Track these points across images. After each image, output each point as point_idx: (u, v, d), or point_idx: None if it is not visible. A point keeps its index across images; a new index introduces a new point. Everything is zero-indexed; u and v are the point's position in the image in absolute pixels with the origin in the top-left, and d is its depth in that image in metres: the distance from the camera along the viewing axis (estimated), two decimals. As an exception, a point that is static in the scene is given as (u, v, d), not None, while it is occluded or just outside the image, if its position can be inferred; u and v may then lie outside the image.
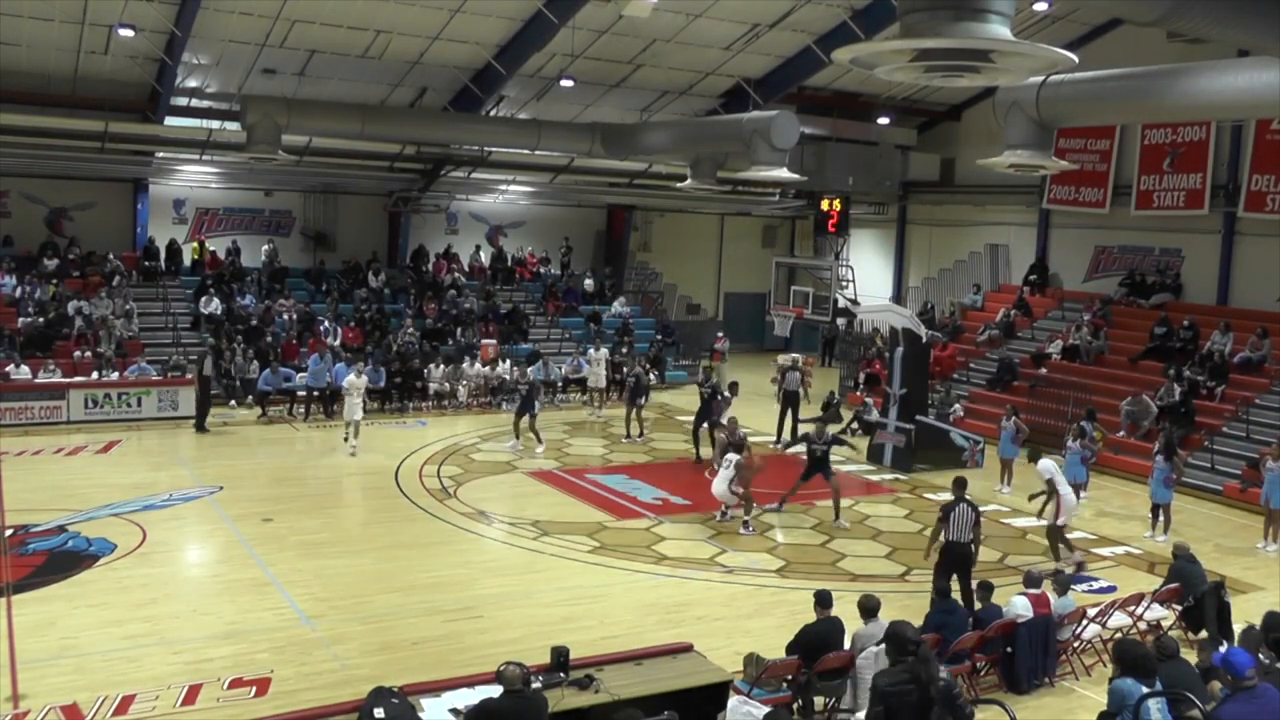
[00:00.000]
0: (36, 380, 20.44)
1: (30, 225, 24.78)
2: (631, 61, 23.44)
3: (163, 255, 25.50)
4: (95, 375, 21.00)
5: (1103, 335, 23.09)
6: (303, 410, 21.63)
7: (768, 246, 33.58)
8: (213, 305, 24.26)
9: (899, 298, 29.72)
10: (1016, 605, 10.04)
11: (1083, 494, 16.82)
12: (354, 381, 19.31)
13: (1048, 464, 14.10)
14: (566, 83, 22.69)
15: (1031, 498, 14.74)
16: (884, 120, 28.06)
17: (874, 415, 21.10)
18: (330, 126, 22.14)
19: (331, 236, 28.25)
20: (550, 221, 31.10)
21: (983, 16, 7.66)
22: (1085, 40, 23.10)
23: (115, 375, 21.06)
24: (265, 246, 27.03)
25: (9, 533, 13.28)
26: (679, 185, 23.37)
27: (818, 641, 9.02)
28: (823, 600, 9.38)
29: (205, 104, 23.15)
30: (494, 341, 25.33)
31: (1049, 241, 26.78)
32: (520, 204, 30.45)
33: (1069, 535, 14.15)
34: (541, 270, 30.03)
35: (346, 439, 18.98)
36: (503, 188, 29.02)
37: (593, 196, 30.16)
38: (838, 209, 29.71)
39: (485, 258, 29.71)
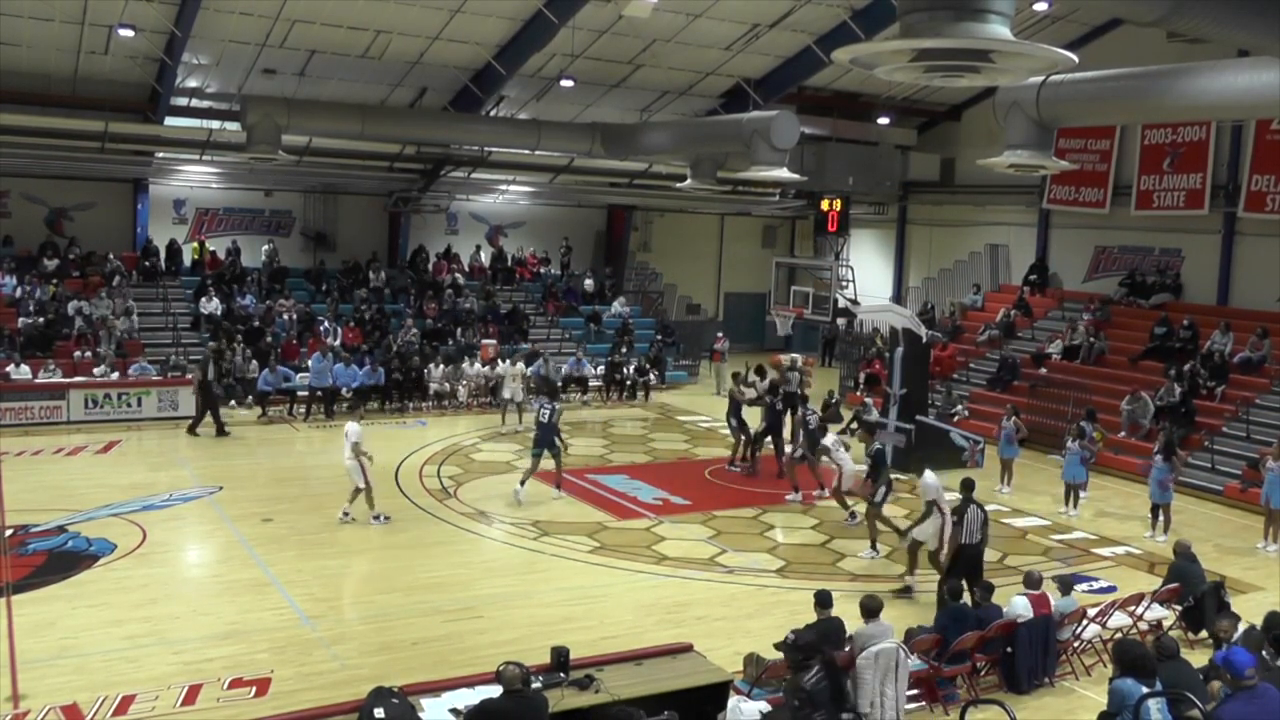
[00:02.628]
0: (36, 380, 20.44)
1: (30, 225, 24.80)
2: (631, 61, 23.43)
3: (163, 255, 25.51)
4: (95, 374, 20.98)
5: (1103, 335, 23.08)
6: (303, 410, 21.63)
7: (768, 246, 33.56)
8: (213, 305, 24.26)
9: (899, 298, 29.70)
10: (1016, 606, 10.04)
11: (1083, 494, 16.87)
12: None
13: (932, 482, 12.44)
14: (566, 83, 22.68)
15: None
16: (884, 120, 28.04)
17: (874, 415, 21.06)
18: (330, 126, 22.15)
19: (331, 236, 28.25)
20: (550, 221, 31.09)
21: (982, 16, 7.67)
22: (1085, 40, 23.10)
23: (115, 375, 21.06)
24: (265, 246, 27.05)
25: (9, 533, 13.28)
26: (679, 185, 23.38)
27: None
28: (823, 600, 9.39)
29: (205, 104, 23.14)
30: (494, 341, 25.32)
31: (1049, 241, 26.78)
32: (520, 204, 30.45)
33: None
34: (541, 270, 30.03)
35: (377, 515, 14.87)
36: (503, 188, 29.02)
37: (593, 196, 30.16)
38: (838, 209, 29.65)
39: (485, 258, 29.71)
